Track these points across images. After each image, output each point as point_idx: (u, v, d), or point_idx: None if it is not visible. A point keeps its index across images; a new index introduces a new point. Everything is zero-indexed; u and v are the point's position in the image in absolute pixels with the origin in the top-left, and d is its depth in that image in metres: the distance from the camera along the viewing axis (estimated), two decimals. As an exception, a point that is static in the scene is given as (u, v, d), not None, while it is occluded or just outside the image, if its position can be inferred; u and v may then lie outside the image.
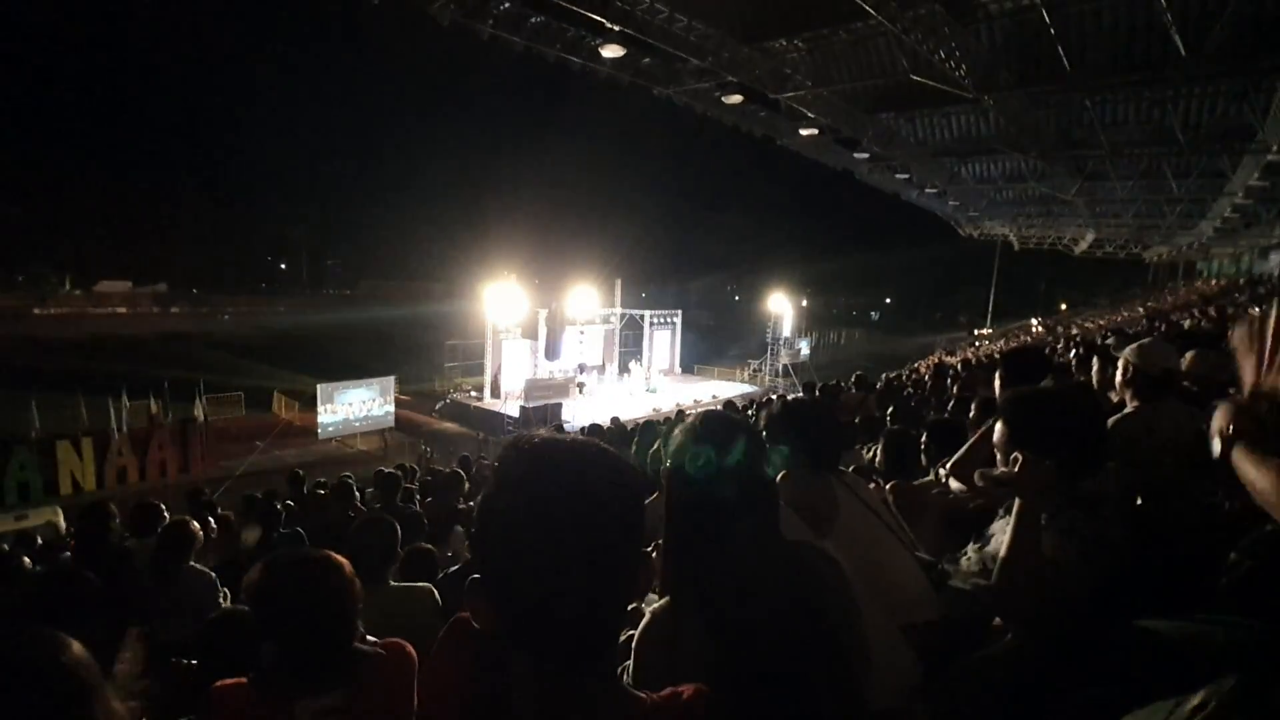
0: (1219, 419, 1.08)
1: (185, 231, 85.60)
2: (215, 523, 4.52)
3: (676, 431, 1.07)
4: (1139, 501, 1.89)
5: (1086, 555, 1.27)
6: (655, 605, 0.97)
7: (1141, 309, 26.89)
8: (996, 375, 2.39)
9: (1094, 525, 1.33)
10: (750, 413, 9.14)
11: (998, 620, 1.39)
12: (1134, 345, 2.36)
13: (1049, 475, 1.27)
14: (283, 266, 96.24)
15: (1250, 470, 1.00)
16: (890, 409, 4.68)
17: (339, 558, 1.38)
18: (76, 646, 0.98)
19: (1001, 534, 1.37)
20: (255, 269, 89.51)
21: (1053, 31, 9.62)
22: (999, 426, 1.48)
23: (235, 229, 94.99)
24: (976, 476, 1.40)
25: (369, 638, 1.46)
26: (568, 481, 0.68)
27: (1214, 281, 30.26)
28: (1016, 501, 1.28)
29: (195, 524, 3.23)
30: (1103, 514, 1.37)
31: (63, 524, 10.23)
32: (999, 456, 1.45)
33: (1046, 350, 13.32)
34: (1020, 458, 1.29)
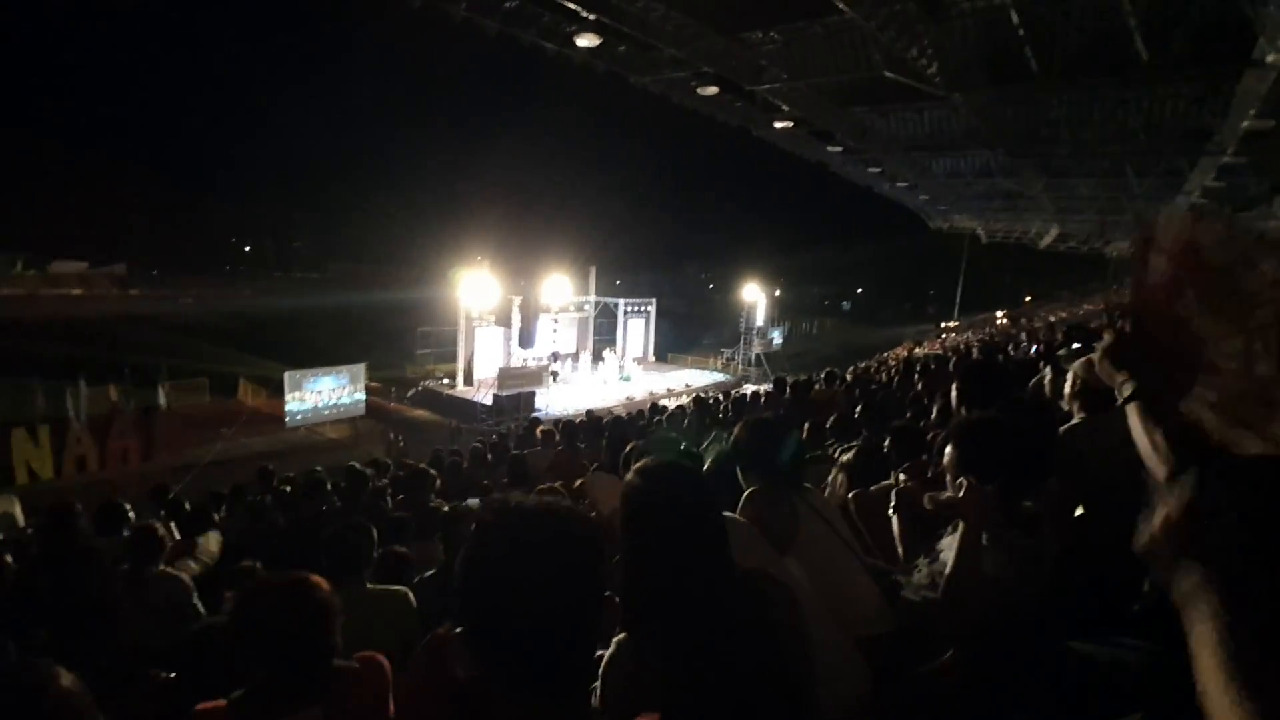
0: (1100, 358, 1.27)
1: (144, 210, 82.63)
2: (185, 518, 4.46)
3: (631, 477, 1.12)
4: (1079, 512, 2.00)
5: (1024, 574, 1.37)
6: (618, 637, 1.04)
7: (1103, 302, 27.70)
8: (954, 387, 2.49)
9: (1032, 544, 1.43)
10: (723, 405, 9.26)
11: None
12: (1082, 360, 2.48)
13: (991, 501, 1.36)
14: (247, 248, 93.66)
15: (1138, 429, 1.16)
16: (859, 408, 4.81)
17: (316, 579, 1.42)
18: (67, 676, 1.02)
19: (949, 550, 1.46)
20: (219, 250, 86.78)
21: (1021, 33, 9.81)
22: (948, 449, 1.57)
23: (197, 208, 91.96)
24: (925, 499, 1.49)
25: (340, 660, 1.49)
26: (538, 544, 0.77)
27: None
28: (961, 523, 1.38)
29: (161, 528, 3.22)
30: (1041, 532, 1.47)
31: (20, 515, 9.99)
32: (948, 477, 1.55)
33: (1010, 346, 13.68)
34: (964, 484, 1.38)
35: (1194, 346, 1.14)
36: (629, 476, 1.13)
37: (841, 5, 8.52)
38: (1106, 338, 1.30)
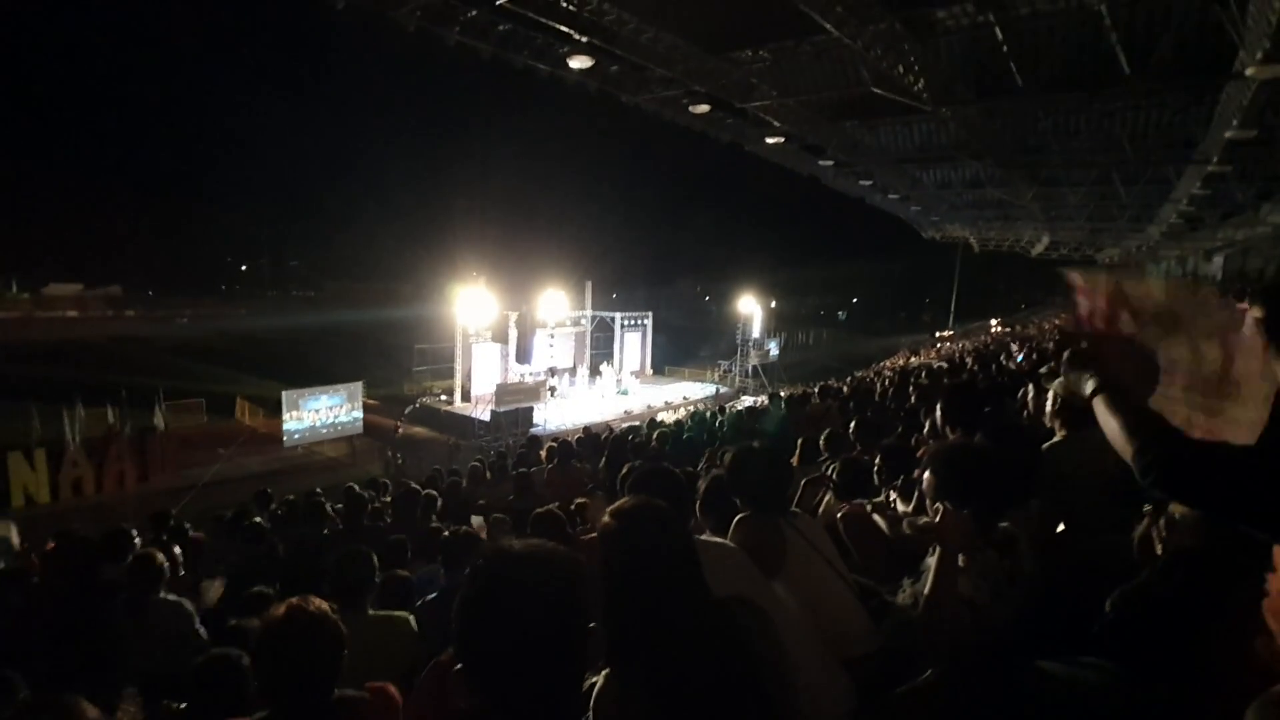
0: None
1: (140, 231, 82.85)
2: (182, 548, 4.50)
3: (608, 519, 1.19)
4: (1061, 528, 2.07)
5: (1000, 594, 1.44)
6: (605, 670, 1.10)
7: (1058, 332, 27.91)
8: (938, 409, 2.56)
9: (1007, 564, 1.49)
10: (720, 419, 9.33)
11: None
12: (1061, 378, 2.56)
13: (966, 526, 1.43)
14: (243, 267, 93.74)
15: (1105, 416, 1.25)
16: (853, 424, 4.88)
17: (319, 608, 1.46)
18: (93, 709, 1.07)
19: (929, 571, 1.53)
20: (215, 270, 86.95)
21: (1005, 49, 9.99)
22: (927, 475, 1.64)
23: (193, 228, 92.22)
24: (905, 525, 1.56)
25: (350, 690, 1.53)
26: (526, 588, 0.85)
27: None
28: (938, 545, 1.44)
29: (162, 555, 3.26)
30: (1016, 552, 1.54)
31: (16, 539, 9.97)
32: (927, 502, 1.61)
33: (1004, 355, 13.79)
34: (941, 509, 1.45)
35: (1148, 358, 1.28)
36: (604, 518, 1.20)
37: (828, 25, 8.67)
38: (1067, 354, 1.41)
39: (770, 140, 15.12)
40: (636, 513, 1.18)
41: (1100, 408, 1.29)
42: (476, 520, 4.79)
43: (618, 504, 1.23)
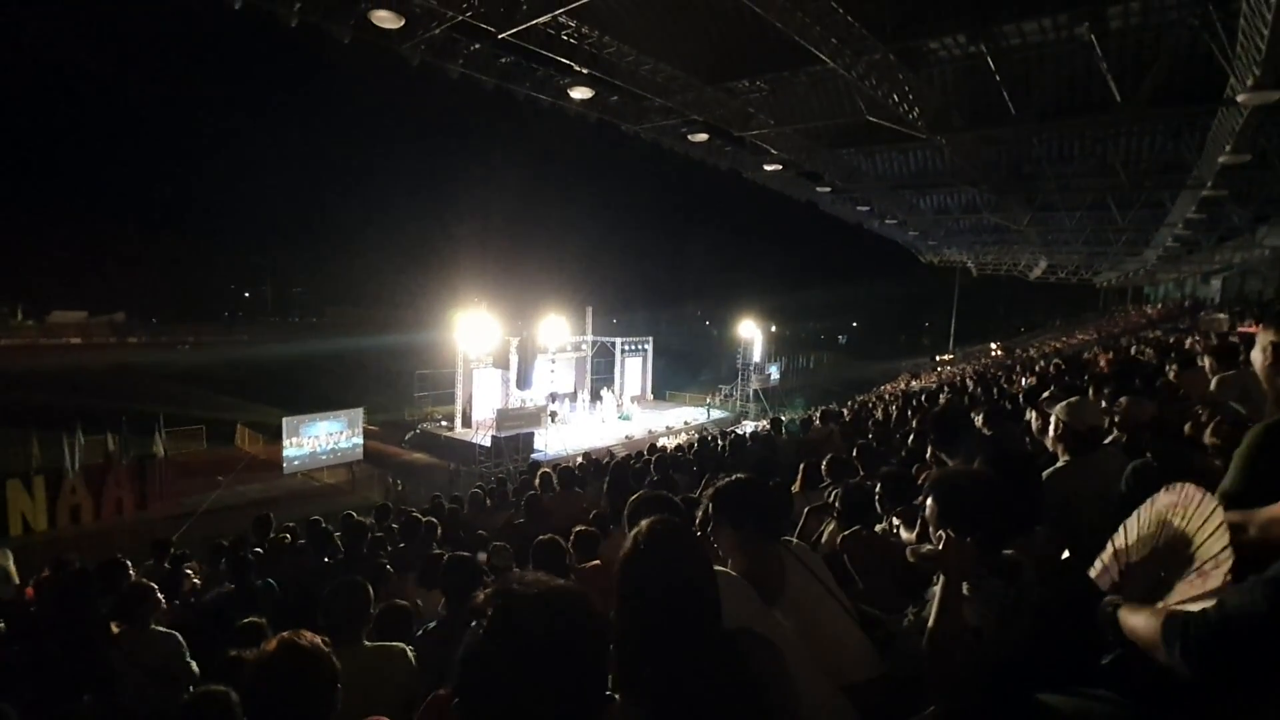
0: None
1: (143, 258, 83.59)
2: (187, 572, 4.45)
3: (627, 547, 1.17)
4: (1066, 554, 2.05)
5: (1005, 621, 1.42)
6: (615, 702, 1.07)
7: (1095, 332, 27.98)
8: (929, 435, 2.56)
9: (1012, 592, 1.48)
10: (721, 446, 9.29)
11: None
12: (1063, 404, 2.57)
13: (969, 553, 1.42)
14: (246, 294, 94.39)
15: (1129, 621, 1.16)
16: (855, 449, 4.86)
17: (320, 647, 1.44)
18: None
19: (933, 600, 1.51)
20: (217, 296, 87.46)
21: (998, 78, 10.17)
22: (929, 503, 1.63)
23: (196, 255, 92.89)
24: (908, 553, 1.55)
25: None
26: (541, 634, 0.80)
27: (1159, 305, 31.64)
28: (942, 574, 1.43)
29: (154, 586, 3.22)
30: (1021, 580, 1.52)
31: (14, 570, 9.85)
32: (930, 529, 1.60)
33: (1004, 379, 13.78)
34: (943, 536, 1.44)
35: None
36: (628, 542, 1.18)
37: (823, 56, 8.84)
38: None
39: (768, 167, 15.33)
40: (661, 536, 1.16)
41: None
42: (481, 557, 4.74)
43: (641, 525, 1.19)
